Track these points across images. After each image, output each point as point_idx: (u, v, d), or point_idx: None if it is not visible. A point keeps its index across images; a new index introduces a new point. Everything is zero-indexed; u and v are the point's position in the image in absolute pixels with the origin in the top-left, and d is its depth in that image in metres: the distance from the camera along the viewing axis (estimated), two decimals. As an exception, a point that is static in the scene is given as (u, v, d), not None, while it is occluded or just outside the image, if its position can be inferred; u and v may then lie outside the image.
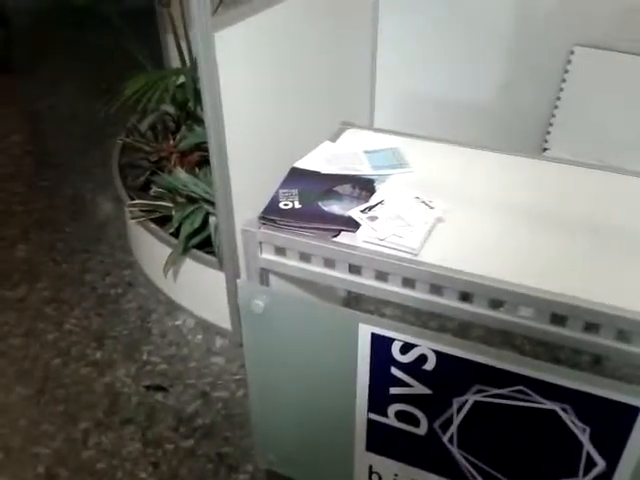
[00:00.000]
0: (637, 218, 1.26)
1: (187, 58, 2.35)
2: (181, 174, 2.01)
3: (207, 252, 1.92)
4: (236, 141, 1.28)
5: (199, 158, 2.13)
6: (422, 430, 1.16)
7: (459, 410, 1.09)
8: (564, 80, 1.88)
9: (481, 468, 1.14)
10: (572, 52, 1.86)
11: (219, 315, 1.96)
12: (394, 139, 1.55)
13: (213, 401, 1.76)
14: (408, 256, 1.15)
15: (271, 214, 1.26)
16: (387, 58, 2.06)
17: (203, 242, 1.94)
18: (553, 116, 1.94)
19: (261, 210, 1.27)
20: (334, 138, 1.56)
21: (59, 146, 3.24)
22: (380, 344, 1.09)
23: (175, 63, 2.52)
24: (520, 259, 1.14)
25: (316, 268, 1.24)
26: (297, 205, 1.28)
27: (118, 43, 2.25)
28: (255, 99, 1.35)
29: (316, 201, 1.29)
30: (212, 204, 1.78)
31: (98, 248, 2.42)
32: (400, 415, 1.16)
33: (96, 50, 4.18)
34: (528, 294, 1.06)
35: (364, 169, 1.42)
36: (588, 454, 1.02)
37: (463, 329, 1.62)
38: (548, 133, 1.98)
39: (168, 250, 1.96)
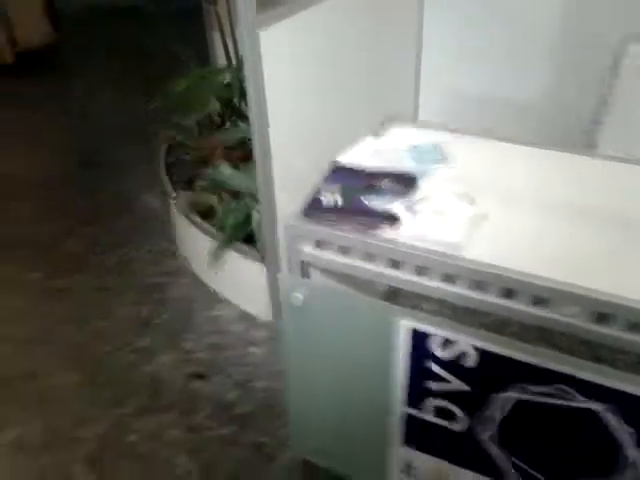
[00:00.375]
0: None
1: (233, 56, 2.39)
2: (225, 169, 2.05)
3: (249, 246, 1.95)
4: (279, 137, 1.30)
5: (243, 153, 2.16)
6: (459, 426, 1.16)
7: (501, 407, 1.09)
8: (616, 76, 1.83)
9: (518, 465, 1.13)
10: (625, 48, 1.80)
11: (260, 307, 1.99)
12: (437, 134, 1.54)
13: (252, 391, 1.80)
14: (450, 252, 1.15)
15: (313, 209, 1.28)
16: (431, 55, 2.05)
17: (246, 236, 1.97)
18: (601, 114, 1.89)
19: (303, 205, 1.29)
20: (377, 134, 1.56)
21: (104, 144, 3.31)
22: (420, 339, 1.10)
23: (221, 61, 2.57)
24: (563, 256, 1.12)
25: (357, 262, 1.25)
26: (339, 200, 1.29)
27: (164, 43, 2.31)
28: (298, 96, 1.37)
29: (358, 196, 1.30)
30: (255, 198, 1.81)
31: (144, 240, 2.49)
32: (437, 410, 1.17)
33: (142, 50, 4.29)
34: (574, 292, 1.04)
35: (407, 164, 1.42)
36: (628, 455, 1.00)
37: (497, 326, 1.60)
38: (595, 131, 1.93)
39: (212, 243, 2.01)
